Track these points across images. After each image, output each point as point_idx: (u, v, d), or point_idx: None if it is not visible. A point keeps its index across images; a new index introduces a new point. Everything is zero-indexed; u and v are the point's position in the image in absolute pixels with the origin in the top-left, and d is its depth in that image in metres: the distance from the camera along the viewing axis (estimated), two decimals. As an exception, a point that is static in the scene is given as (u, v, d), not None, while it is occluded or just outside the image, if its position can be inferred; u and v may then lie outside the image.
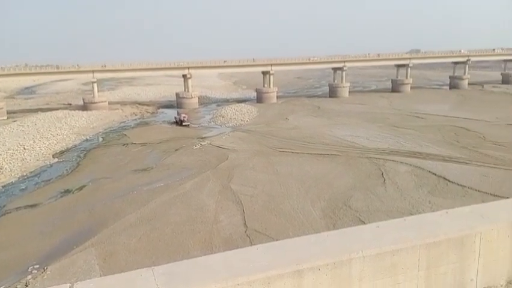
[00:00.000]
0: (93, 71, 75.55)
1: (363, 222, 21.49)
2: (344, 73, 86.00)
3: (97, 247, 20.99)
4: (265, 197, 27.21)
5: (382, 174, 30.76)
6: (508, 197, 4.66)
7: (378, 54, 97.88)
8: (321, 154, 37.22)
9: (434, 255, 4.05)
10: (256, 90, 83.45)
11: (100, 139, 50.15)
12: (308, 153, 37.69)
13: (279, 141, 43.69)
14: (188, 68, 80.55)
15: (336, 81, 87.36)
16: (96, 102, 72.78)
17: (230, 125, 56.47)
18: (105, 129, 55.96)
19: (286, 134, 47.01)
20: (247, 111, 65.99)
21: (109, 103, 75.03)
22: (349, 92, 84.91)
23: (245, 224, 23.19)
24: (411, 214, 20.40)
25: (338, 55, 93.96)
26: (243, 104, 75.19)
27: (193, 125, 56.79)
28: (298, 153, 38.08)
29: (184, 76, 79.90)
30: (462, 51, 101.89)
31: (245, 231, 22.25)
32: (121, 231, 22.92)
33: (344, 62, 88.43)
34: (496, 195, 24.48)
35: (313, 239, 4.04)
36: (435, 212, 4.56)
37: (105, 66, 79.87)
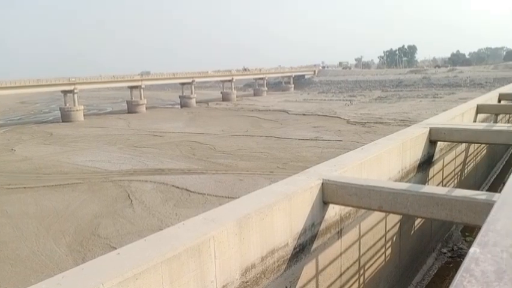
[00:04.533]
0: None
1: (115, 248, 20.74)
2: (75, 96, 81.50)
3: None
4: (-7, 246, 22.70)
5: (129, 195, 30.56)
6: (238, 197, 5.40)
7: (113, 76, 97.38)
8: (60, 185, 33.93)
9: (175, 268, 4.25)
10: (-34, 121, 69.20)
11: None
12: (45, 186, 33.71)
13: (6, 177, 37.40)
14: None
15: (68, 104, 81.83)
16: None
17: None
18: None
19: (15, 168, 40.73)
20: (-45, 147, 53.76)
21: None
22: (84, 115, 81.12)
23: (-33, 285, 18.72)
24: (161, 229, 21.04)
25: (67, 77, 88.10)
26: None
27: None
28: (32, 187, 33.54)
29: None
30: (209, 72, 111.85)
31: (-32, 295, 17.97)
32: None
33: (75, 84, 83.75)
34: (229, 197, 27.97)
35: (46, 285, 3.56)
36: (173, 225, 4.79)
37: None
